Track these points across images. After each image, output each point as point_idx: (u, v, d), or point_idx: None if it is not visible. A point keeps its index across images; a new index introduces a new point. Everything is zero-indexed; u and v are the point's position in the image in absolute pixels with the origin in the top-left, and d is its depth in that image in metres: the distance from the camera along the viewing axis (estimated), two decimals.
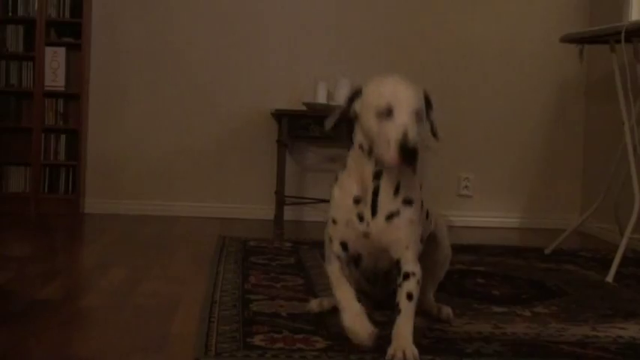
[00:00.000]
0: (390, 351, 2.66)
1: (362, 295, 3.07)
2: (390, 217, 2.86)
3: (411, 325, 2.76)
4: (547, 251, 5.15)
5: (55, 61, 6.26)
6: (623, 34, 4.48)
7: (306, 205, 6.44)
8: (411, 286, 2.83)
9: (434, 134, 3.00)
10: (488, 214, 6.59)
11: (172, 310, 3.38)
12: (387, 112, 2.78)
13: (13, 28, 6.27)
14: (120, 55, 6.41)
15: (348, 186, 2.94)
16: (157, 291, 3.75)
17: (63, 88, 6.30)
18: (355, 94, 2.98)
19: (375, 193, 2.87)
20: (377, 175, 2.87)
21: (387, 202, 2.86)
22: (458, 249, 5.03)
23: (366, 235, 2.87)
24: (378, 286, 3.17)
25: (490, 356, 2.82)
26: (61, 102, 6.33)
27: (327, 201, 6.23)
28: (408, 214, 2.88)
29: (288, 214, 6.26)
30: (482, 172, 6.62)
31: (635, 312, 3.60)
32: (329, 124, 2.95)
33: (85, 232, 5.79)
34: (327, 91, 6.20)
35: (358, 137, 2.90)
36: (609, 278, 4.29)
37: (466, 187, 6.62)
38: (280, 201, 6.10)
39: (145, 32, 6.40)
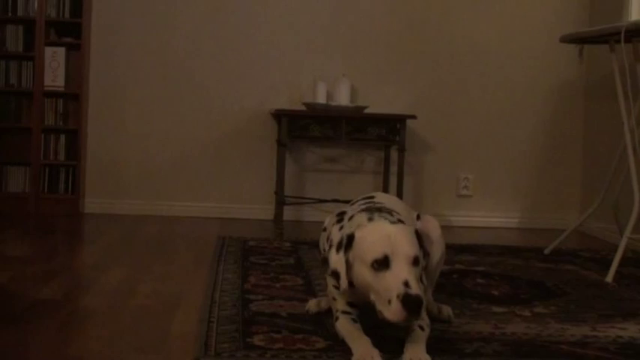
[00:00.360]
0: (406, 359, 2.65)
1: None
2: None
3: (424, 343, 2.73)
4: (547, 251, 5.15)
5: (54, 61, 6.26)
6: (622, 34, 4.48)
7: (305, 205, 6.44)
8: (422, 323, 2.81)
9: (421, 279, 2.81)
10: (487, 214, 6.59)
11: (172, 310, 3.38)
12: (384, 264, 2.64)
13: (12, 28, 6.27)
14: (120, 55, 6.41)
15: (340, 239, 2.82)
16: (157, 291, 3.76)
17: (63, 88, 6.30)
18: (348, 242, 2.77)
19: None
20: None
21: None
22: (457, 249, 5.05)
23: None
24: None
25: (490, 356, 2.82)
26: (60, 102, 6.32)
27: (326, 201, 6.25)
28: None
29: (288, 214, 6.26)
30: (482, 172, 6.62)
31: (635, 312, 3.60)
32: (333, 266, 2.77)
33: (84, 232, 5.79)
34: (327, 91, 6.20)
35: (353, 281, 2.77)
36: (609, 278, 4.29)
37: (466, 187, 6.62)
38: (280, 201, 6.10)
39: (144, 32, 6.40)
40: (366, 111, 6.15)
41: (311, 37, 6.49)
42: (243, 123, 6.45)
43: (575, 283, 4.20)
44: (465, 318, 3.35)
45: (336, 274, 2.76)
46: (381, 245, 2.65)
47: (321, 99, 6.15)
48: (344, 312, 2.89)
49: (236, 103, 6.45)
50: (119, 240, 5.29)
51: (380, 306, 2.62)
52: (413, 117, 6.12)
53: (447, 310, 3.28)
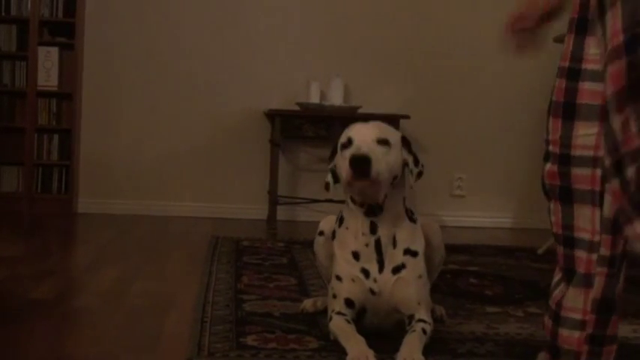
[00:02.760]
0: (399, 359, 2.64)
1: None
2: (396, 270, 2.85)
3: (422, 344, 2.73)
4: (540, 251, 5.16)
5: (48, 60, 6.25)
6: None
7: (299, 204, 6.44)
8: (425, 326, 2.83)
9: (410, 171, 2.98)
10: (481, 214, 6.60)
11: (165, 310, 3.38)
12: (348, 144, 2.81)
13: (5, 28, 6.26)
14: (113, 54, 6.40)
15: (346, 240, 2.93)
16: (150, 291, 3.75)
17: (56, 88, 6.29)
18: (332, 151, 3.01)
19: (378, 246, 2.86)
20: (373, 228, 2.86)
21: (390, 255, 2.86)
22: (451, 249, 5.02)
23: (373, 292, 2.86)
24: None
25: (483, 356, 2.82)
26: (54, 102, 6.32)
27: (320, 201, 6.25)
28: (414, 267, 2.87)
29: (281, 213, 6.25)
30: (476, 172, 6.62)
31: (628, 312, 3.60)
32: (329, 180, 3.04)
33: (77, 232, 5.79)
34: (320, 91, 6.20)
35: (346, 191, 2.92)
36: None
37: (459, 187, 6.63)
38: (273, 201, 6.10)
39: (138, 32, 6.39)
40: (360, 111, 6.15)
41: (304, 37, 6.49)
42: (237, 123, 6.45)
43: None
44: (458, 318, 3.35)
45: (327, 184, 3.06)
46: (348, 132, 2.87)
47: (315, 99, 6.15)
48: (339, 313, 2.89)
49: (229, 103, 6.45)
50: (112, 240, 5.29)
51: (342, 176, 2.82)
52: (406, 117, 6.12)
53: (439, 310, 3.29)
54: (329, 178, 3.03)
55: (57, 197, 6.31)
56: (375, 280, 2.85)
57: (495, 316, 3.43)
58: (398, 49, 6.51)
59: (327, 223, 3.21)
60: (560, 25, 2.88)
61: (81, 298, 3.65)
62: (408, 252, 2.89)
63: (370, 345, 2.67)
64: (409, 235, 2.92)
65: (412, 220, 2.98)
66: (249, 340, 2.89)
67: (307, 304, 3.35)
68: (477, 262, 4.77)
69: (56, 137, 6.33)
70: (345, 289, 2.90)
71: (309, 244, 5.00)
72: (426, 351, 2.69)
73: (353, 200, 2.90)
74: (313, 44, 6.48)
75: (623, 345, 3.03)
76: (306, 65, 6.46)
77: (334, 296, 2.93)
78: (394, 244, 2.87)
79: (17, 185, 6.31)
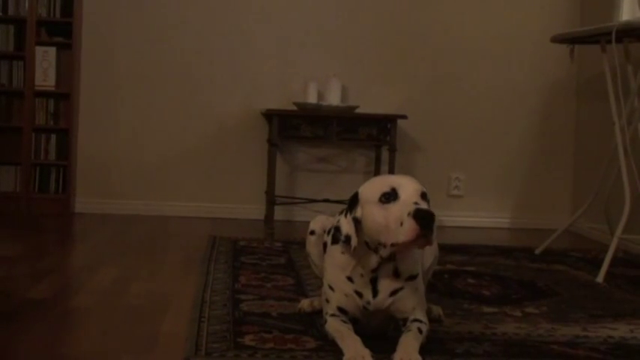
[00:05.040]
0: (396, 359, 2.63)
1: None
2: (393, 293, 2.82)
3: (418, 343, 2.70)
4: (537, 251, 5.15)
5: (45, 60, 6.25)
6: (613, 35, 4.49)
7: (296, 205, 6.44)
8: (422, 325, 2.80)
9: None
10: (478, 214, 6.60)
11: (163, 310, 3.38)
12: (393, 196, 2.65)
13: (3, 28, 6.25)
14: (110, 54, 6.40)
15: (341, 264, 2.86)
16: (148, 291, 3.75)
17: (53, 88, 6.28)
18: (353, 201, 2.78)
19: (374, 281, 2.81)
20: (378, 268, 2.79)
21: (388, 285, 2.82)
22: (448, 249, 5.05)
23: (366, 308, 2.84)
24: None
25: (480, 356, 2.82)
26: (51, 101, 6.31)
27: (317, 201, 6.25)
28: (412, 286, 2.84)
29: (279, 213, 6.25)
30: (473, 172, 6.62)
31: (625, 312, 3.61)
32: (345, 231, 2.76)
33: (75, 231, 5.78)
34: (318, 90, 6.20)
35: (364, 237, 2.76)
36: (600, 278, 4.30)
37: (457, 187, 6.63)
38: (271, 201, 6.10)
39: (135, 32, 6.39)
40: (357, 111, 6.16)
41: (302, 37, 6.49)
42: (234, 123, 6.45)
43: (566, 284, 4.20)
44: (455, 318, 3.35)
45: (347, 238, 2.74)
46: (388, 182, 2.70)
47: (312, 99, 6.15)
48: (333, 315, 2.88)
49: (227, 103, 6.45)
50: (110, 240, 5.28)
51: (392, 233, 2.60)
52: (404, 117, 6.12)
53: (437, 310, 3.28)
54: (347, 229, 2.76)
55: (54, 197, 6.30)
56: (368, 303, 2.82)
57: (493, 316, 3.42)
58: (395, 49, 6.51)
59: (317, 223, 3.19)
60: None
61: (78, 297, 3.65)
62: (409, 278, 2.84)
63: (367, 345, 2.67)
64: (410, 262, 2.85)
65: None
66: (247, 340, 2.88)
67: (304, 304, 3.35)
68: (475, 262, 4.77)
69: (54, 137, 6.32)
70: (337, 299, 2.87)
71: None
72: (423, 351, 2.68)
73: (368, 245, 2.76)
74: (311, 44, 6.48)
75: (621, 345, 3.04)
76: (304, 65, 6.46)
77: (327, 301, 2.92)
78: (396, 273, 2.81)
79: (15, 185, 6.30)
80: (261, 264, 4.43)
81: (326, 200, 6.29)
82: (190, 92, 6.43)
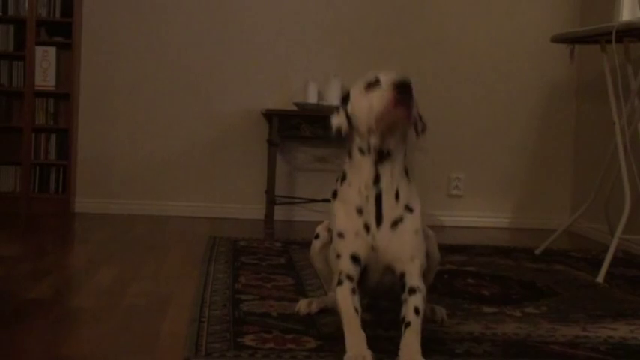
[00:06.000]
0: None
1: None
2: (394, 224, 2.84)
3: (419, 339, 2.70)
4: (537, 251, 5.15)
5: (45, 60, 6.25)
6: (613, 35, 4.49)
7: (296, 204, 6.44)
8: (417, 301, 2.79)
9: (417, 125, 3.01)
10: (478, 214, 6.60)
11: (163, 310, 3.38)
12: (375, 82, 2.79)
13: (3, 28, 6.25)
14: (110, 54, 6.40)
15: (349, 197, 2.90)
16: (148, 291, 3.75)
17: (53, 88, 6.29)
18: (344, 98, 2.94)
19: (378, 199, 2.85)
20: (377, 180, 2.84)
21: (390, 208, 2.85)
22: (448, 249, 5.05)
23: (374, 247, 2.85)
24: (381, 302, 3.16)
25: (480, 356, 2.82)
26: (51, 101, 6.32)
27: (317, 201, 6.24)
28: (411, 222, 2.87)
29: (279, 213, 6.25)
30: (473, 172, 6.62)
31: (625, 312, 3.61)
32: (336, 124, 2.90)
33: (75, 231, 5.78)
34: (318, 90, 6.20)
35: (356, 142, 2.86)
36: (599, 278, 4.29)
37: (457, 187, 6.62)
38: (270, 201, 6.09)
39: (135, 32, 6.39)
40: None
41: (302, 36, 6.49)
42: (234, 123, 6.45)
43: (566, 284, 4.20)
44: (455, 318, 3.35)
45: (338, 129, 2.89)
46: (373, 72, 2.85)
47: (312, 99, 6.15)
48: (348, 277, 2.85)
49: (227, 103, 6.44)
50: (110, 240, 5.28)
51: (373, 114, 2.76)
52: None
53: (440, 313, 3.26)
54: (338, 121, 2.91)
55: (54, 197, 6.31)
56: (374, 237, 2.84)
57: (493, 316, 3.42)
58: (395, 48, 6.50)
59: (323, 227, 3.21)
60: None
61: (78, 297, 3.65)
62: (407, 208, 2.89)
63: (369, 345, 2.66)
64: (408, 192, 2.93)
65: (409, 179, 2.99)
66: (247, 339, 2.88)
67: (302, 305, 3.32)
68: (475, 262, 4.77)
69: (54, 137, 6.32)
70: (349, 244, 2.87)
71: (307, 244, 4.98)
72: (423, 351, 2.67)
73: (361, 150, 2.86)
74: (311, 44, 6.48)
75: (621, 345, 3.04)
76: (304, 65, 6.46)
77: (338, 256, 2.90)
78: (397, 197, 2.87)
79: (15, 185, 6.31)
80: (261, 264, 4.43)
81: (326, 200, 6.28)
82: (190, 92, 6.43)
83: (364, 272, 2.90)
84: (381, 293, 3.04)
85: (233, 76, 6.44)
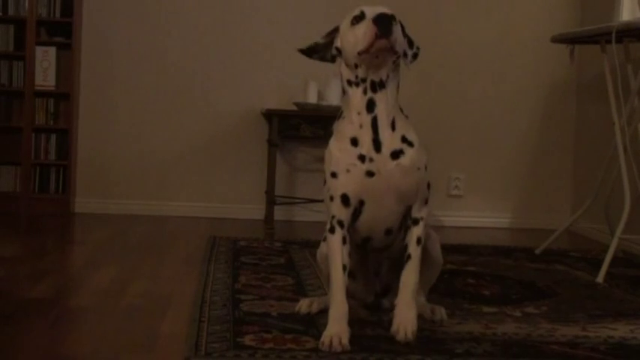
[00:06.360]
0: (394, 327, 2.85)
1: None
2: (395, 155, 2.90)
3: (417, 276, 2.91)
4: (537, 251, 5.15)
5: (45, 60, 6.25)
6: (614, 35, 4.49)
7: (296, 204, 6.44)
8: (420, 230, 2.96)
9: (405, 54, 3.08)
10: (478, 214, 6.59)
11: (163, 310, 3.38)
12: (361, 17, 2.87)
13: (3, 28, 6.25)
14: (110, 54, 6.40)
15: (343, 129, 2.97)
16: (148, 291, 3.75)
17: (53, 88, 6.29)
18: (333, 31, 3.09)
19: (375, 125, 2.90)
20: (370, 106, 2.92)
21: (388, 137, 2.91)
22: (448, 249, 5.05)
23: (370, 173, 2.89)
24: (372, 255, 3.17)
25: (480, 356, 2.82)
26: (51, 101, 6.31)
27: (317, 201, 6.24)
28: (412, 156, 2.96)
29: (279, 213, 6.25)
30: (473, 172, 6.62)
31: (626, 312, 3.61)
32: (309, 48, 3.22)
33: (75, 231, 5.78)
34: (318, 90, 6.19)
35: (345, 74, 3.00)
36: (600, 279, 4.29)
37: (457, 187, 6.62)
38: (270, 201, 6.09)
39: (135, 32, 6.39)
40: None
41: (302, 36, 6.47)
42: (234, 123, 6.45)
43: (566, 284, 4.20)
44: (455, 318, 3.35)
45: (337, 49, 3.08)
46: (359, 7, 2.93)
47: (312, 99, 6.14)
48: (339, 222, 2.93)
49: (227, 103, 6.44)
50: (110, 239, 5.28)
51: (358, 45, 2.86)
52: None
53: (440, 313, 3.26)
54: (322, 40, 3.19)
55: (54, 197, 6.31)
56: (371, 160, 2.89)
57: (493, 316, 3.42)
58: None
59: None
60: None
61: (78, 297, 3.65)
62: (405, 141, 2.96)
63: (370, 344, 2.66)
64: (405, 124, 3.01)
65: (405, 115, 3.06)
66: (247, 340, 2.88)
67: (303, 305, 3.32)
68: (475, 262, 4.77)
69: (53, 137, 6.32)
70: (340, 183, 2.93)
71: (307, 244, 5.03)
72: (423, 351, 2.67)
73: (350, 82, 2.97)
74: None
75: (621, 345, 3.04)
76: (304, 65, 6.43)
77: (331, 198, 2.95)
78: (393, 127, 2.94)
79: (14, 185, 6.30)
80: (261, 264, 4.43)
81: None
82: (190, 92, 6.43)
83: (360, 210, 2.95)
84: (373, 242, 3.09)
85: (233, 77, 6.44)
